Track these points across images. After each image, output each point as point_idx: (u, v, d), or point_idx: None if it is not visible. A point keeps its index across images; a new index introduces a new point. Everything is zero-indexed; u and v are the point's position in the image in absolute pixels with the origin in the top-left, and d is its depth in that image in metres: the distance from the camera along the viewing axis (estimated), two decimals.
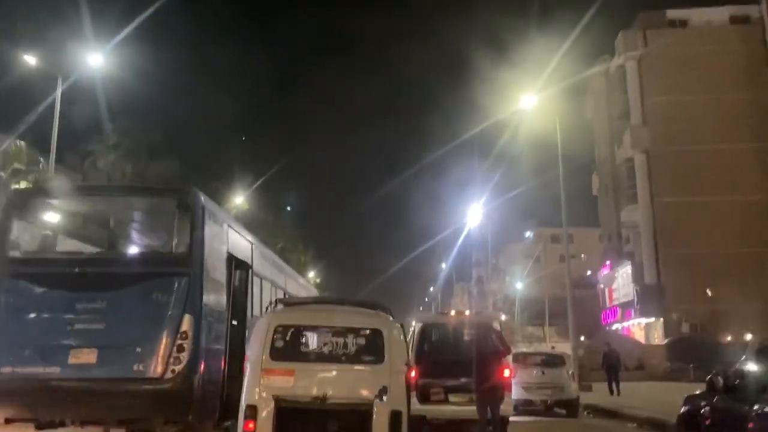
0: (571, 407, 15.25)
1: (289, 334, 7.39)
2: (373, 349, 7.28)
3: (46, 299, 7.46)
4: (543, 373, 15.21)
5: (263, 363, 7.01)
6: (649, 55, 40.14)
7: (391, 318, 7.78)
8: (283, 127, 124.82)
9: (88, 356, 7.19)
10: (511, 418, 11.18)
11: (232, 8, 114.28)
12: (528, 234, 75.61)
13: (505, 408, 10.50)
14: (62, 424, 7.57)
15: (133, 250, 9.76)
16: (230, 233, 9.04)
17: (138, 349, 7.28)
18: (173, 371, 7.28)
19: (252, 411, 6.83)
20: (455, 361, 11.00)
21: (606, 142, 46.00)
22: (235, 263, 9.01)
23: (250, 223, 43.45)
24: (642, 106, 40.37)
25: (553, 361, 16.18)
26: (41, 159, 17.91)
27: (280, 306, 8.09)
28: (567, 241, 27.16)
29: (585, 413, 15.96)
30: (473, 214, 45.57)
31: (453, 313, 13.63)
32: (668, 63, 38.99)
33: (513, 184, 61.48)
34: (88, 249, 10.03)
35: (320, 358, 7.43)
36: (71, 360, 7.18)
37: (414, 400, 10.57)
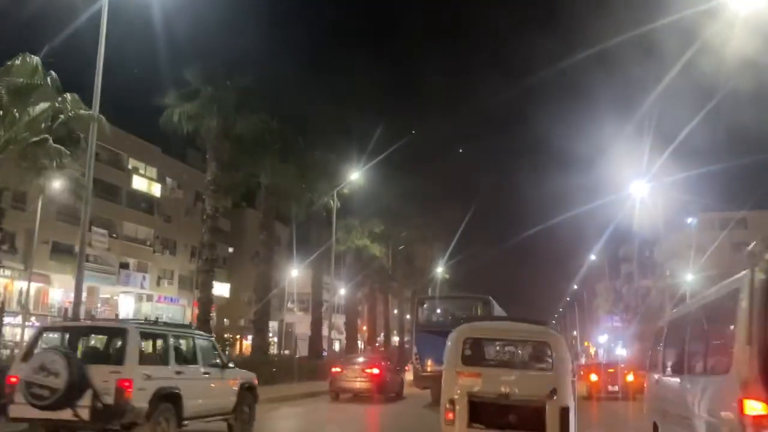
0: None
1: (476, 344, 9.38)
2: (543, 357, 9.05)
3: (437, 340, 14.79)
4: None
5: (457, 367, 8.85)
6: None
7: (556, 333, 9.60)
8: (408, 104, 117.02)
9: None
10: None
11: None
12: (690, 220, 64.96)
13: None
14: None
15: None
16: (497, 307, 21.59)
17: None
18: None
19: (451, 404, 8.58)
20: None
21: None
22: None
23: (365, 208, 38.30)
24: None
25: None
26: (67, 95, 12.99)
27: (467, 324, 10.00)
28: None
29: None
30: (635, 195, 37.07)
31: None
32: None
33: (674, 165, 51.85)
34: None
35: (500, 364, 9.80)
36: None
37: None
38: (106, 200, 44.62)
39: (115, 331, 9.61)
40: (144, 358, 9.25)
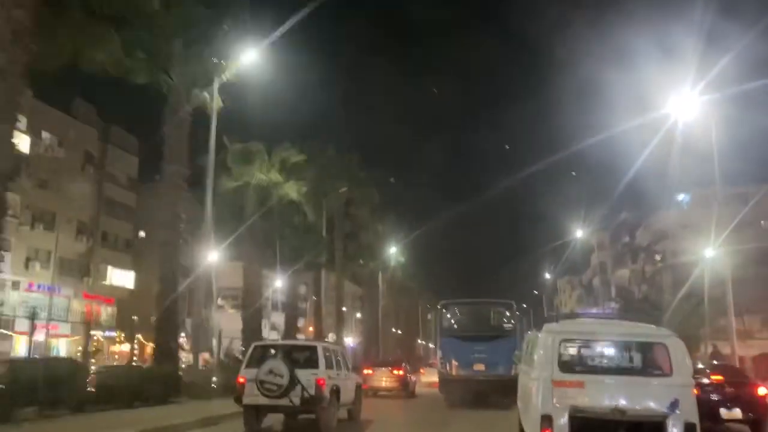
0: None
1: (575, 346, 8.12)
2: (659, 362, 7.68)
3: (461, 344, 20.84)
4: None
5: (554, 375, 7.46)
6: None
7: (674, 334, 7.76)
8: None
9: (480, 366, 20.10)
10: None
11: None
12: (682, 197, 56.48)
13: None
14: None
15: (495, 325, 21.80)
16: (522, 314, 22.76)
17: (502, 365, 19.33)
18: (513, 372, 16.19)
19: (547, 421, 7.29)
20: None
21: None
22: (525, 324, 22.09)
23: (278, 127, 26.52)
24: None
25: None
26: None
27: (557, 321, 8.67)
28: None
29: None
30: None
31: None
32: None
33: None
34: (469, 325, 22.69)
35: (608, 370, 7.87)
36: (474, 368, 20.25)
37: None
38: None
39: (309, 347, 14.06)
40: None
